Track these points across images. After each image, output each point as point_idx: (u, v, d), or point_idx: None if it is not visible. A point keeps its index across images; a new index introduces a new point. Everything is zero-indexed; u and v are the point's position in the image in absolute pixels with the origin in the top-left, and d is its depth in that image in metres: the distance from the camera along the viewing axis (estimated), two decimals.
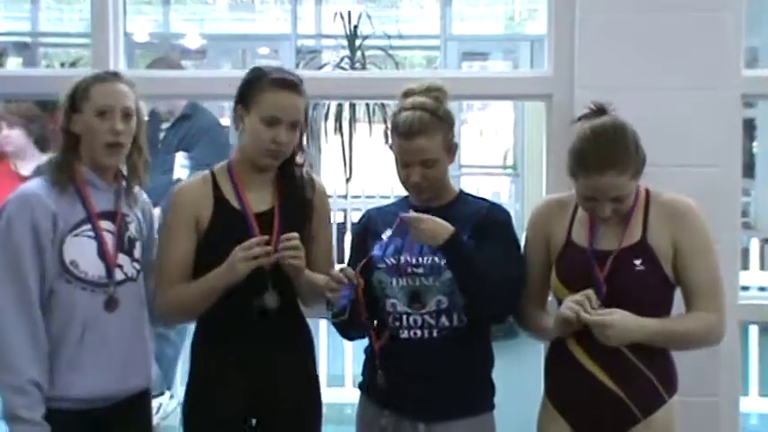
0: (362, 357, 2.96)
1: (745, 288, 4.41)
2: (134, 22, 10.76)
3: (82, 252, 2.72)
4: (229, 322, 2.80)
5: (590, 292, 2.62)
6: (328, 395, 5.51)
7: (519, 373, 3.83)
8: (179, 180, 4.35)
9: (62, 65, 11.12)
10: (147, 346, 2.89)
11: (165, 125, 5.03)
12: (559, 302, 2.73)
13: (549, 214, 2.88)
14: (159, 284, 2.82)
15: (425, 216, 2.72)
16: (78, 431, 2.73)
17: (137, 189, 2.89)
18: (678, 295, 2.77)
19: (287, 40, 11.17)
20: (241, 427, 2.85)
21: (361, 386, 2.96)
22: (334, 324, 2.85)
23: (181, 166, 4.73)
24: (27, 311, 2.65)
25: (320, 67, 10.27)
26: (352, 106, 10.04)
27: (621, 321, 2.58)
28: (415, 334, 2.79)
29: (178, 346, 4.61)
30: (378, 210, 2.99)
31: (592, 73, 3.30)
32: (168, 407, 4.46)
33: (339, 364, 5.84)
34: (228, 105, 2.99)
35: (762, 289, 6.00)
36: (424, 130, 2.75)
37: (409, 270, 2.79)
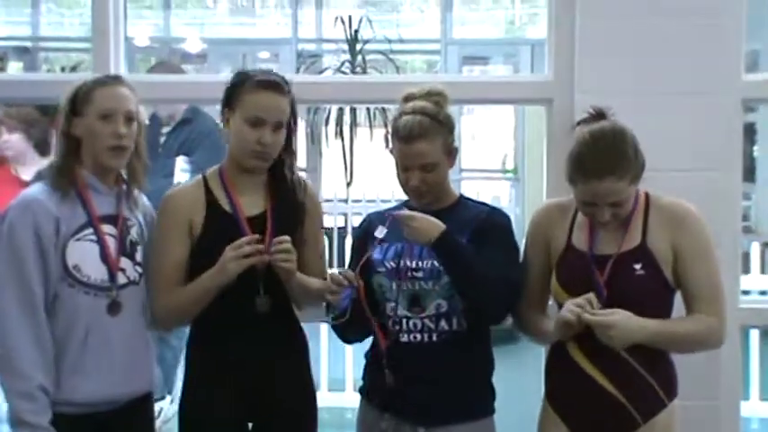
0: (363, 362, 2.96)
1: (745, 292, 4.43)
2: (135, 26, 10.76)
3: (84, 256, 2.72)
4: (223, 325, 2.81)
5: (591, 295, 2.62)
6: (329, 399, 5.58)
7: (519, 377, 3.83)
8: (179, 184, 4.35)
9: (63, 69, 11.10)
10: (149, 350, 2.89)
11: (165, 129, 5.03)
12: (560, 307, 2.72)
13: (549, 218, 2.88)
14: (154, 289, 2.82)
15: (416, 214, 2.73)
16: None
17: (137, 192, 2.89)
18: (678, 300, 2.76)
19: (287, 45, 11.19)
20: (237, 429, 2.85)
21: (361, 390, 2.96)
22: (333, 327, 2.86)
23: (181, 171, 4.73)
24: (32, 316, 2.65)
25: (321, 72, 10.28)
26: (353, 110, 10.04)
27: (624, 321, 2.58)
28: (415, 338, 2.79)
29: (178, 351, 4.59)
30: (378, 214, 2.98)
31: (592, 77, 3.30)
32: (169, 411, 4.46)
33: (340, 369, 5.84)
34: None
35: (763, 293, 6.02)
36: (423, 135, 2.76)
37: (409, 274, 2.79)
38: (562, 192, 2.90)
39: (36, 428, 2.62)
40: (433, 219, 2.71)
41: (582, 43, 3.34)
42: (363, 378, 2.95)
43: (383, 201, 7.49)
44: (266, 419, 2.86)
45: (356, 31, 10.25)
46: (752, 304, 3.64)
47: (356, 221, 7.08)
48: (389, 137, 2.85)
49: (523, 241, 2.94)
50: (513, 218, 2.98)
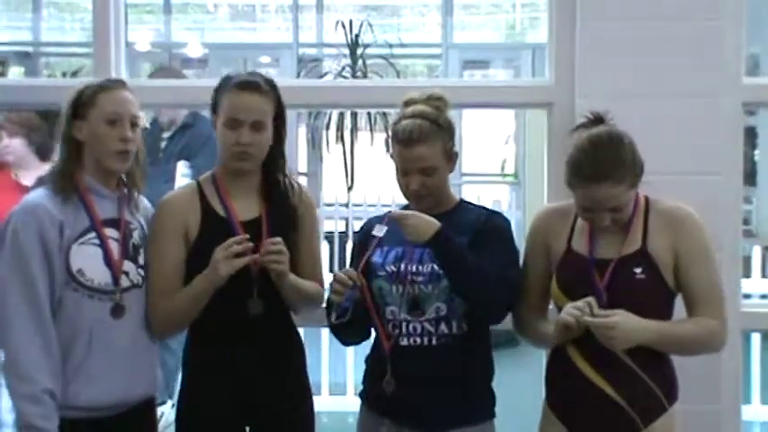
0: (364, 366, 2.96)
1: (747, 296, 4.42)
2: (135, 31, 10.77)
3: (88, 260, 2.72)
4: (218, 328, 2.81)
5: (591, 299, 2.62)
6: (330, 404, 5.57)
7: (520, 381, 3.83)
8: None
9: (64, 74, 11.13)
10: (152, 353, 2.89)
11: (166, 134, 5.03)
12: (560, 311, 2.72)
13: (549, 222, 2.88)
14: (151, 294, 2.82)
15: (411, 212, 2.73)
16: None
17: (138, 196, 2.90)
18: (679, 304, 2.76)
19: (288, 49, 11.18)
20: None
21: (361, 395, 2.96)
22: (333, 329, 2.86)
23: (182, 176, 4.72)
24: (39, 320, 2.65)
25: (321, 76, 10.28)
26: (354, 115, 10.04)
27: (625, 322, 2.58)
28: (415, 341, 2.79)
29: (178, 355, 4.58)
30: (378, 217, 2.96)
31: (593, 81, 3.30)
32: (170, 416, 4.44)
33: (340, 373, 5.83)
34: None
35: (764, 297, 6.00)
36: (423, 139, 2.76)
37: (409, 278, 2.79)
38: (563, 196, 2.90)
39: None
40: (428, 217, 2.71)
41: (582, 47, 3.34)
42: (363, 383, 2.95)
43: (384, 205, 7.51)
44: (262, 423, 2.86)
45: (357, 36, 10.25)
46: (753, 308, 3.64)
47: (357, 226, 7.09)
48: (389, 141, 2.86)
49: (523, 245, 2.93)
50: (513, 222, 2.99)
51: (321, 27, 11.49)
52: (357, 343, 2.98)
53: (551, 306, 2.89)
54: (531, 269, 2.88)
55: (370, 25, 10.36)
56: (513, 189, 10.62)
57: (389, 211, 2.84)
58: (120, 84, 2.84)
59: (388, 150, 2.89)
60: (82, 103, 2.76)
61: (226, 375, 2.81)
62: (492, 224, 2.85)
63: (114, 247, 2.77)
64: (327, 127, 10.27)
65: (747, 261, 5.85)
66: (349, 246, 5.48)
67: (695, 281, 2.70)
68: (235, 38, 12.41)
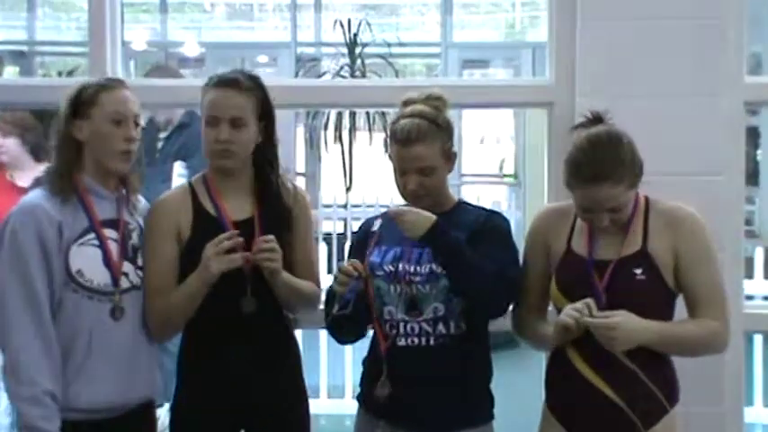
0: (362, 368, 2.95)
1: (749, 297, 4.41)
2: (132, 30, 10.77)
3: (87, 261, 2.71)
4: (211, 327, 2.81)
5: (589, 300, 2.61)
6: (328, 406, 5.56)
7: (519, 383, 3.82)
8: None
9: (59, 74, 11.14)
10: (152, 355, 2.89)
11: (162, 134, 5.01)
12: (559, 312, 2.71)
13: (549, 223, 2.87)
14: (148, 294, 2.82)
15: (407, 208, 2.73)
16: None
17: (136, 196, 2.89)
18: (680, 305, 2.75)
19: (286, 48, 11.19)
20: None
21: (358, 398, 2.95)
22: (331, 324, 2.85)
23: (179, 176, 4.71)
24: (39, 321, 2.64)
25: (320, 76, 10.30)
26: (352, 115, 10.04)
27: (626, 322, 2.57)
28: (413, 342, 2.78)
29: (175, 357, 4.57)
30: (377, 218, 2.96)
31: (593, 80, 3.29)
32: (167, 419, 4.43)
33: (339, 375, 5.82)
34: None
35: (766, 298, 5.99)
36: (421, 138, 2.75)
37: (407, 278, 2.78)
38: (563, 196, 2.88)
39: None
40: (424, 212, 2.70)
41: (583, 46, 3.32)
42: (360, 385, 2.94)
43: (383, 206, 7.48)
44: (257, 423, 2.85)
45: (355, 35, 10.27)
46: (755, 309, 3.64)
47: (356, 227, 7.08)
48: (387, 141, 2.85)
49: (523, 245, 2.92)
50: (513, 223, 2.97)
51: (319, 26, 11.51)
52: (352, 341, 2.98)
53: (550, 308, 2.87)
54: (530, 269, 2.87)
55: (369, 24, 10.37)
56: (513, 190, 10.63)
57: (386, 211, 2.84)
58: (120, 83, 2.84)
59: (386, 151, 2.88)
60: (82, 103, 2.75)
61: (219, 374, 2.81)
62: (491, 224, 2.84)
63: (113, 248, 2.76)
64: (326, 127, 10.29)
65: (750, 262, 5.86)
66: (347, 247, 5.47)
67: (697, 281, 2.69)
68: (232, 37, 12.44)
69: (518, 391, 3.60)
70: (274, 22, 12.51)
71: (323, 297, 2.91)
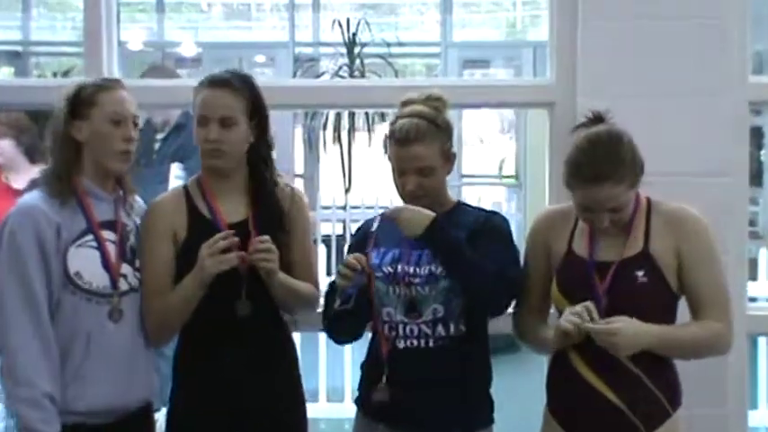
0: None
1: (753, 299, 4.40)
2: (128, 30, 10.76)
3: (86, 263, 2.70)
4: (206, 330, 2.81)
5: (589, 304, 2.60)
6: (327, 410, 5.55)
7: (520, 387, 3.81)
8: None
9: (54, 74, 11.14)
10: (150, 358, 2.88)
11: (159, 135, 5.00)
12: (560, 314, 2.70)
13: (550, 224, 2.86)
14: (145, 296, 2.81)
15: (404, 206, 2.73)
16: None
17: (134, 198, 2.89)
18: (682, 307, 2.73)
19: (284, 48, 11.17)
20: None
21: (357, 401, 2.94)
22: (330, 320, 2.84)
23: (176, 177, 4.70)
24: (37, 322, 2.63)
25: (318, 76, 10.30)
26: (351, 115, 10.04)
27: (627, 327, 2.56)
28: (412, 344, 2.78)
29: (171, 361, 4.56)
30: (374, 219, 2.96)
31: (595, 80, 3.28)
32: (165, 423, 4.42)
33: (338, 379, 5.82)
34: None
35: None
36: (420, 138, 2.74)
37: (406, 279, 2.77)
38: (565, 197, 2.88)
39: None
40: (421, 209, 2.70)
41: (584, 46, 3.32)
42: (359, 388, 2.94)
43: (382, 207, 7.46)
44: (253, 427, 2.84)
45: (354, 35, 10.26)
46: (759, 311, 3.62)
47: (355, 229, 7.08)
48: (386, 141, 2.84)
49: (524, 247, 2.92)
50: (514, 224, 2.95)
51: (318, 26, 11.50)
52: (350, 340, 2.99)
53: (552, 310, 2.86)
54: (531, 271, 2.86)
55: (368, 24, 10.36)
56: (514, 191, 10.61)
57: (383, 212, 2.84)
58: (118, 83, 2.84)
59: (385, 152, 2.87)
60: (81, 103, 2.74)
61: (214, 377, 2.81)
62: (491, 223, 2.84)
63: (112, 250, 2.76)
64: (324, 127, 10.28)
65: (753, 263, 5.85)
66: (346, 249, 5.45)
67: (700, 283, 2.68)
68: (229, 37, 12.45)
69: (519, 396, 3.60)
70: (272, 22, 12.52)
71: (322, 299, 2.90)
